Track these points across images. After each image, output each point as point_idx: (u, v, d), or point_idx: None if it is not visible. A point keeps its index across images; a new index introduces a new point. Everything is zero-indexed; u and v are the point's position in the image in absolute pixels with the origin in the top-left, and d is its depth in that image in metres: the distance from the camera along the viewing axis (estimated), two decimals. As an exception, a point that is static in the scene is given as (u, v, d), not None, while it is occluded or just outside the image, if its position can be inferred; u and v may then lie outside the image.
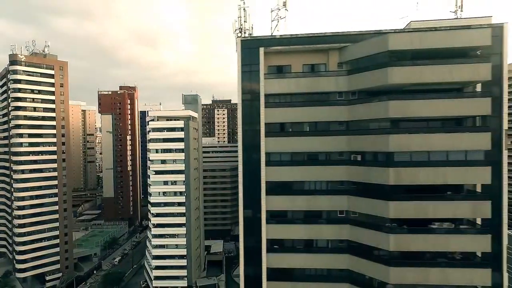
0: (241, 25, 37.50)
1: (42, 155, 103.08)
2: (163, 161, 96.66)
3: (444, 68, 30.93)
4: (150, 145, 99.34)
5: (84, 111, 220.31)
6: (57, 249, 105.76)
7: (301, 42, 35.82)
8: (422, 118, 32.77)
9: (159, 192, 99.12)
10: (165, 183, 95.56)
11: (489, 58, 31.51)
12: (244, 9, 37.64)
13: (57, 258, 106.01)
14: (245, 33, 37.47)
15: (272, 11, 37.79)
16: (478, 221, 34.32)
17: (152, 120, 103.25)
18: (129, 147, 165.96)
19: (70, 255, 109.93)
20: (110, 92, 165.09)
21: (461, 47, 31.32)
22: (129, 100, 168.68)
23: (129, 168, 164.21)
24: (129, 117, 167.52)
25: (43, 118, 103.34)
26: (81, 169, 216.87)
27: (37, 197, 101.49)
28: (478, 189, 34.29)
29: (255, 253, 36.52)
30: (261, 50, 35.80)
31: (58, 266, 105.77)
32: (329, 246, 36.94)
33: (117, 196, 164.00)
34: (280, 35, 36.41)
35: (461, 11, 41.80)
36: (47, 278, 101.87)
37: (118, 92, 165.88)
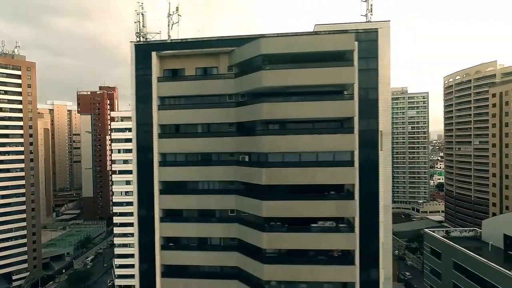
0: (139, 29, 38.72)
1: (8, 155, 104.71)
2: (125, 161, 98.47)
3: (309, 72, 32.00)
4: (113, 145, 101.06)
5: (70, 111, 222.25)
6: (25, 249, 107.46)
7: (192, 46, 36.99)
8: (310, 120, 33.75)
9: (121, 192, 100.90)
10: (127, 182, 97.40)
11: (352, 62, 32.45)
12: (142, 14, 38.86)
13: (25, 257, 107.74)
14: (143, 37, 38.72)
15: (168, 15, 38.97)
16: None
17: (115, 120, 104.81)
18: (108, 147, 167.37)
19: (39, 254, 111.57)
20: (89, 93, 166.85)
21: (328, 51, 32.35)
22: (108, 100, 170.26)
23: (108, 168, 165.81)
24: (109, 117, 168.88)
25: (10, 119, 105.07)
26: (67, 169, 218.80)
27: (3, 197, 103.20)
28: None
29: (150, 250, 37.74)
30: (154, 54, 37.01)
31: (25, 265, 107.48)
32: (221, 244, 38.11)
33: (96, 196, 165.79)
34: (171, 40, 37.64)
35: (371, 14, 43.01)
36: (14, 277, 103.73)
37: (97, 92, 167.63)
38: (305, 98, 32.66)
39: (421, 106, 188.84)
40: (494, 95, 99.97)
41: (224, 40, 36.39)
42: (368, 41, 34.84)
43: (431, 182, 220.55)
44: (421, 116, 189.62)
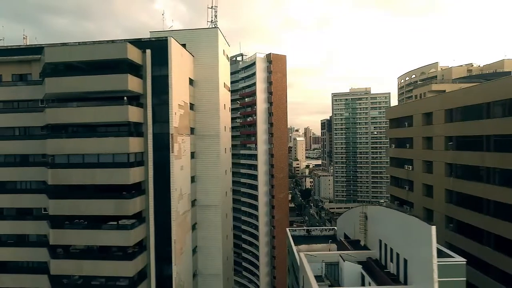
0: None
1: None
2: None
3: (86, 79, 34.04)
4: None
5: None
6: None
7: (5, 54, 39.14)
8: (103, 124, 35.79)
9: None
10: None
11: (127, 70, 34.30)
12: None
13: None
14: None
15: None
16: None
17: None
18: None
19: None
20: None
21: (107, 59, 34.28)
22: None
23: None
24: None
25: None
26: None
27: None
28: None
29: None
30: (-30, 61, 39.21)
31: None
32: (37, 240, 40.21)
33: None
34: (-14, 47, 39.83)
35: (216, 23, 45.15)
36: None
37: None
38: (85, 103, 34.72)
39: (383, 107, 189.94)
40: (416, 96, 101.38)
41: (30, 49, 38.53)
42: (159, 49, 36.81)
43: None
44: (383, 117, 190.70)
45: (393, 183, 60.67)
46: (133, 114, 34.73)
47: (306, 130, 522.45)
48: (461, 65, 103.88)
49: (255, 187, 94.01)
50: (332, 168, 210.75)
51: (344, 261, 34.82)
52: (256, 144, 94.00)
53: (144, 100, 36.76)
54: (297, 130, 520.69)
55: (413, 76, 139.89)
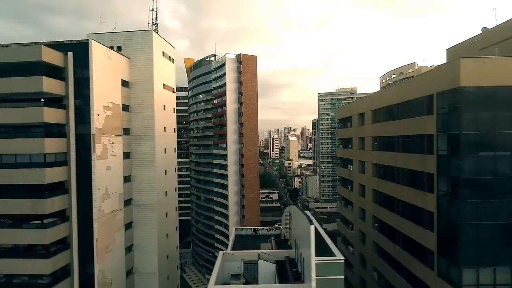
0: None
1: None
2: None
3: (4, 81, 34.89)
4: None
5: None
6: None
7: None
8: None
9: None
10: None
11: (40, 72, 35.03)
12: None
13: None
14: None
15: None
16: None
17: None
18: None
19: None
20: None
21: (19, 62, 35.01)
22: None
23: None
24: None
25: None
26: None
27: None
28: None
29: None
30: None
31: None
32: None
33: None
34: None
35: (157, 25, 45.80)
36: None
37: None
38: (4, 105, 35.59)
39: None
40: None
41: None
42: (81, 52, 37.59)
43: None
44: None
45: (341, 183, 61.32)
46: (50, 115, 35.48)
47: (303, 130, 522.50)
48: (431, 66, 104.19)
49: (226, 187, 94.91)
50: (318, 167, 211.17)
51: (259, 259, 35.65)
52: (226, 144, 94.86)
53: (67, 101, 37.55)
54: (294, 130, 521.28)
55: (393, 76, 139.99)
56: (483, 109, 25.15)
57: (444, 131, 26.99)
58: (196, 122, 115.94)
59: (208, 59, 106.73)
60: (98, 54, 38.41)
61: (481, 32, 36.11)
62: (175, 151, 54.62)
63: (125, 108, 45.13)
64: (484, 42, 34.58)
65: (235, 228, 50.36)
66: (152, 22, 49.57)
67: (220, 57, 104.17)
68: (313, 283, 26.45)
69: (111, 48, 44.55)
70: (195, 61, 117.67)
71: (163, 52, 49.15)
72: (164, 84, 49.75)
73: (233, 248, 42.11)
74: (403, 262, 34.15)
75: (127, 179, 45.04)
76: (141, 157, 46.08)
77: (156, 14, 49.45)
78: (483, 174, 25.25)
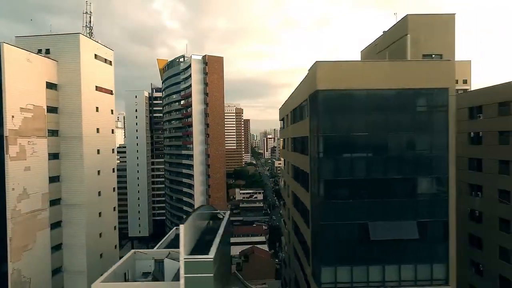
0: None
1: None
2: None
3: None
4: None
5: None
6: None
7: None
8: None
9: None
10: None
11: None
12: None
13: None
14: None
15: None
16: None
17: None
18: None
19: None
20: None
21: None
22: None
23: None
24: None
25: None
26: None
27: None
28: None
29: None
30: None
31: None
32: None
33: None
34: None
35: (91, 28, 46.49)
36: None
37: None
38: None
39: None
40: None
41: None
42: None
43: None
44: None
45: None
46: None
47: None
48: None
49: (192, 187, 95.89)
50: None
51: (165, 258, 36.53)
52: (192, 145, 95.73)
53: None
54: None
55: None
56: (339, 112, 25.84)
57: (312, 133, 27.73)
58: (168, 123, 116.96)
59: (178, 60, 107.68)
60: (13, 57, 39.27)
61: (381, 34, 36.76)
62: (113, 152, 55.47)
63: (53, 110, 45.98)
64: (380, 46, 35.28)
65: (176, 228, 51.09)
66: (86, 25, 50.45)
67: (188, 58, 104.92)
68: (182, 280, 27.42)
69: (40, 51, 45.48)
70: (167, 62, 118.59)
71: (95, 54, 49.99)
72: (97, 86, 50.59)
73: (167, 247, 42.99)
74: (300, 258, 34.97)
75: (55, 179, 45.89)
76: (69, 158, 46.92)
77: (90, 17, 50.30)
78: (341, 175, 25.94)
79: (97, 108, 50.36)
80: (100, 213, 51.00)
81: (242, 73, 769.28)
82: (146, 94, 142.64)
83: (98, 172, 50.64)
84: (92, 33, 50.82)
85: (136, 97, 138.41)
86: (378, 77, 25.41)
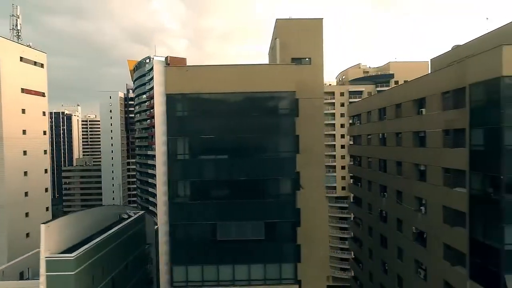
0: None
1: None
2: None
3: None
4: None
5: None
6: None
7: None
8: None
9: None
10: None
11: None
12: None
13: None
14: None
15: None
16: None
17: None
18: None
19: None
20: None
21: None
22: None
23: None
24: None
25: None
26: None
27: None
28: None
29: None
30: None
31: None
32: None
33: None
34: None
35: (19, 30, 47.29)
36: None
37: None
38: None
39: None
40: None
41: None
42: None
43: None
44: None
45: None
46: None
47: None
48: (359, 67, 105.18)
49: (155, 187, 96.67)
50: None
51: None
52: (154, 145, 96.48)
53: None
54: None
55: (343, 76, 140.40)
56: (187, 115, 26.45)
57: (167, 135, 28.27)
58: (139, 123, 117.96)
59: (144, 61, 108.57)
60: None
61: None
62: (45, 153, 56.12)
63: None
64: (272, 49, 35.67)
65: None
66: (13, 28, 51.11)
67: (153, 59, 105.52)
68: (42, 279, 27.99)
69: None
70: (136, 63, 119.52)
71: (21, 57, 50.69)
72: (23, 89, 51.29)
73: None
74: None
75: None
76: (-10, 159, 47.64)
77: (17, 20, 50.98)
78: (190, 176, 26.50)
79: (23, 110, 51.05)
80: (27, 214, 51.68)
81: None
82: (122, 94, 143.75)
83: (25, 173, 51.35)
84: (19, 36, 51.52)
85: (110, 97, 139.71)
86: (227, 81, 25.96)
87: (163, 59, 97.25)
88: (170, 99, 25.61)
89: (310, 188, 29.66)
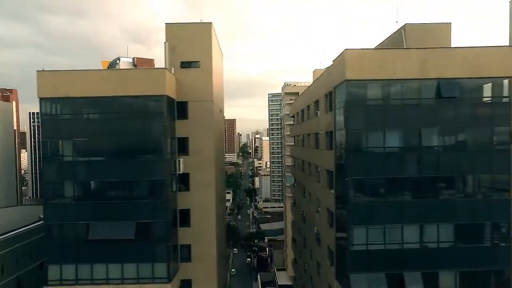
0: None
1: None
2: None
3: None
4: None
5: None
6: None
7: None
8: None
9: None
10: None
11: None
12: None
13: None
14: None
15: None
16: None
17: None
18: None
19: None
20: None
21: None
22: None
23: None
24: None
25: None
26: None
27: None
28: None
29: None
30: None
31: None
32: None
33: None
34: None
35: None
36: None
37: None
38: None
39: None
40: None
41: None
42: None
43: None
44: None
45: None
46: None
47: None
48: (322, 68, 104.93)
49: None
50: (269, 168, 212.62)
51: None
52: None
53: None
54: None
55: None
56: (61, 118, 26.94)
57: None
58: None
59: (115, 62, 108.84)
60: None
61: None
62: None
63: None
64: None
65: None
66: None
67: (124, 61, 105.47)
68: None
69: None
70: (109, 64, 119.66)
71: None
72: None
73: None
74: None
75: None
76: None
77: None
78: (64, 177, 27.02)
79: None
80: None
81: (242, 73, 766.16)
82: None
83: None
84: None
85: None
86: (98, 84, 26.47)
87: (131, 60, 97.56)
88: (44, 102, 25.95)
89: (200, 188, 29.97)
